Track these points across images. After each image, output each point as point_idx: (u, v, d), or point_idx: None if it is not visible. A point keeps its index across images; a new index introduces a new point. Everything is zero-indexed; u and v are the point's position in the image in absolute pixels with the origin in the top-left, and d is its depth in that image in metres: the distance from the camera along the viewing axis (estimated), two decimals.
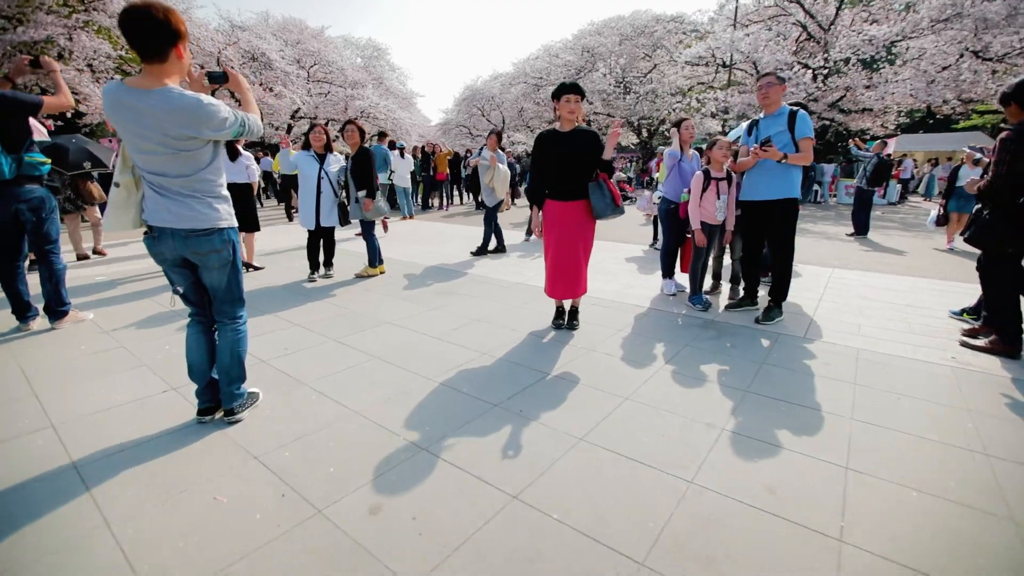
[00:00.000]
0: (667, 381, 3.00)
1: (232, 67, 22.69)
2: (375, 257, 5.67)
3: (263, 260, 6.47)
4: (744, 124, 8.35)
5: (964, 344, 3.61)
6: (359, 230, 6.40)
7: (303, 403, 2.71)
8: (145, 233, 2.27)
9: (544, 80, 26.41)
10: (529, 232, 8.74)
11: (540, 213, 3.82)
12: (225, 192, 2.35)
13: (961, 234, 3.76)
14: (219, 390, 2.48)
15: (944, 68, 14.41)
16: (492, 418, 2.55)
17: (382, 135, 10.94)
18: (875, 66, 17.46)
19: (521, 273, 5.88)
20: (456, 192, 15.19)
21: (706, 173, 4.23)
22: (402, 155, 10.78)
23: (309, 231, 5.47)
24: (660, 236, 7.56)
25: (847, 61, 16.02)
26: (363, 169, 5.28)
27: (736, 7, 19.51)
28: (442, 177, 12.94)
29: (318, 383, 2.95)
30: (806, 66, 15.48)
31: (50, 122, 14.09)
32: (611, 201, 3.59)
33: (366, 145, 5.47)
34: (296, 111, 26.07)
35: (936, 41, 14.58)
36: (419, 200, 13.90)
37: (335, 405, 2.69)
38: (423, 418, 2.55)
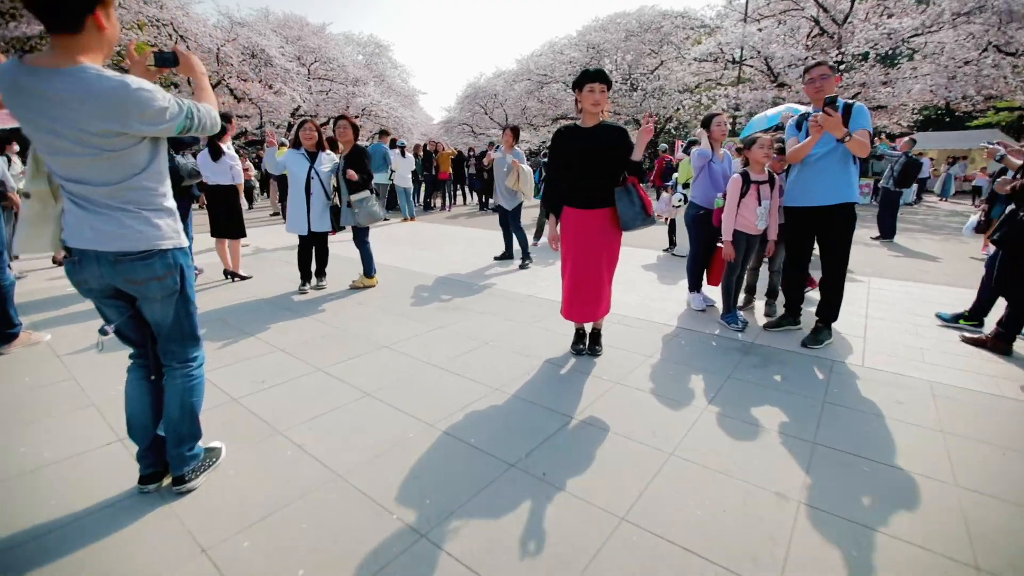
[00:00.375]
0: (714, 429, 2.49)
1: (231, 64, 22.28)
2: (370, 266, 5.16)
3: (253, 265, 5.97)
4: (767, 114, 7.80)
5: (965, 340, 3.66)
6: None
7: (276, 461, 2.20)
8: (64, 256, 1.76)
9: (548, 77, 25.86)
10: (538, 236, 8.20)
11: (557, 222, 3.30)
12: (170, 204, 1.84)
13: (989, 236, 3.52)
14: (167, 450, 1.97)
15: (966, 63, 13.82)
16: (508, 485, 2.04)
17: (383, 133, 10.42)
18: (893, 61, 16.84)
19: (531, 283, 5.36)
20: (459, 192, 14.67)
21: (744, 176, 3.71)
22: (403, 154, 10.26)
23: (300, 237, 4.96)
24: (678, 241, 7.07)
25: (864, 56, 15.43)
26: (357, 169, 4.77)
27: (747, 1, 18.93)
28: (444, 177, 12.41)
29: (297, 430, 2.44)
30: (840, 55, 14.89)
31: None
32: (641, 209, 3.07)
33: (361, 143, 4.95)
34: (296, 109, 25.56)
35: (956, 35, 13.99)
36: (420, 201, 13.39)
37: (314, 464, 2.18)
38: (423, 485, 2.04)
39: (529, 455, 2.24)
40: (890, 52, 16.06)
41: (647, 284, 5.41)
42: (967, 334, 3.76)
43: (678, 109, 23.54)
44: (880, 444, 2.36)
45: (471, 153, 13.75)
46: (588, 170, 3.07)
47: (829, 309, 3.59)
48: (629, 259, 6.59)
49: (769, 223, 3.85)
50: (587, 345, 3.46)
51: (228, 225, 5.25)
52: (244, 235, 5.40)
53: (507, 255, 6.54)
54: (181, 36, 20.89)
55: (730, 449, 2.30)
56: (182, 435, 1.96)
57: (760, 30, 15.59)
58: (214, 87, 22.66)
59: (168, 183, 1.85)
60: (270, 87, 23.11)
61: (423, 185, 13.18)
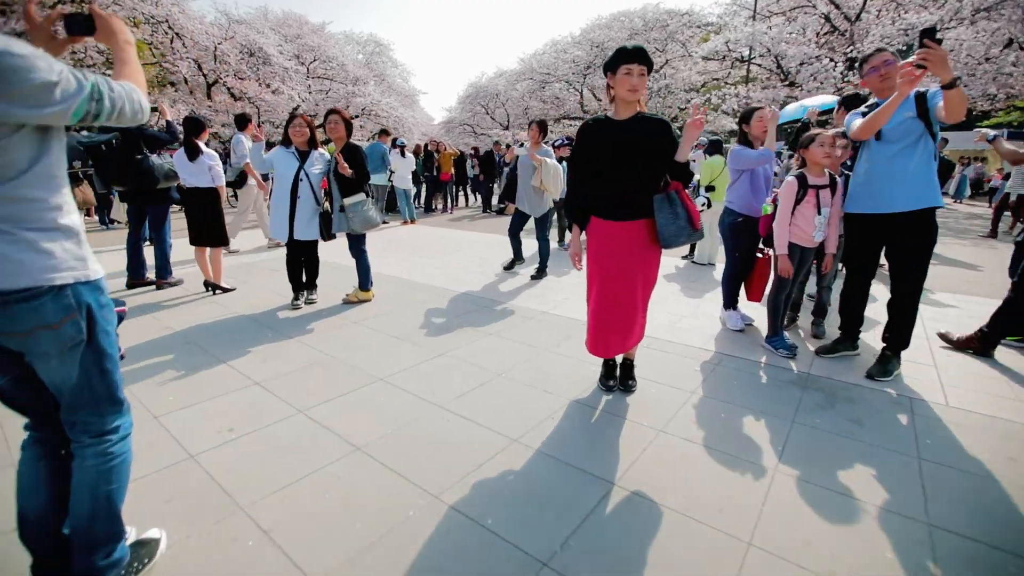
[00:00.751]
0: (795, 502, 1.94)
1: (229, 63, 21.73)
2: (367, 279, 4.62)
3: (238, 275, 5.43)
4: (789, 110, 7.19)
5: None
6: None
7: (231, 560, 1.66)
8: None
9: (551, 76, 25.31)
10: (561, 239, 7.65)
11: (583, 235, 2.76)
12: (68, 221, 1.30)
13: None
14: (73, 560, 1.43)
15: (986, 59, 13.27)
16: None
17: (383, 132, 9.87)
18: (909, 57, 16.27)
19: (545, 297, 4.82)
20: (461, 194, 14.13)
21: (801, 179, 3.17)
22: (403, 154, 9.72)
23: (288, 247, 4.42)
24: (704, 249, 6.51)
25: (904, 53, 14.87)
26: (352, 167, 4.23)
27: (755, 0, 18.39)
28: (446, 178, 11.85)
29: (265, 506, 1.90)
30: (832, 59, 14.32)
31: None
32: (687, 223, 2.52)
33: (359, 142, 4.42)
34: (295, 108, 25.01)
35: (976, 31, 13.44)
36: (421, 203, 12.85)
37: (281, 562, 1.63)
38: None
39: (565, 546, 1.70)
40: (904, 48, 15.50)
41: (673, 298, 4.87)
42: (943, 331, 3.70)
43: (683, 108, 23.01)
44: (1010, 525, 1.83)
45: (474, 153, 13.19)
46: (621, 172, 2.52)
47: (899, 335, 3.05)
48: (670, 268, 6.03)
49: (828, 234, 3.30)
50: (618, 380, 2.92)
51: (208, 232, 4.71)
52: (227, 243, 4.87)
53: (516, 260, 5.98)
54: (177, 33, 20.36)
55: (826, 535, 1.76)
56: (95, 539, 1.42)
57: (770, 28, 15.05)
58: (211, 85, 22.18)
59: (67, 193, 1.31)
60: (268, 86, 22.56)
61: (424, 187, 12.65)
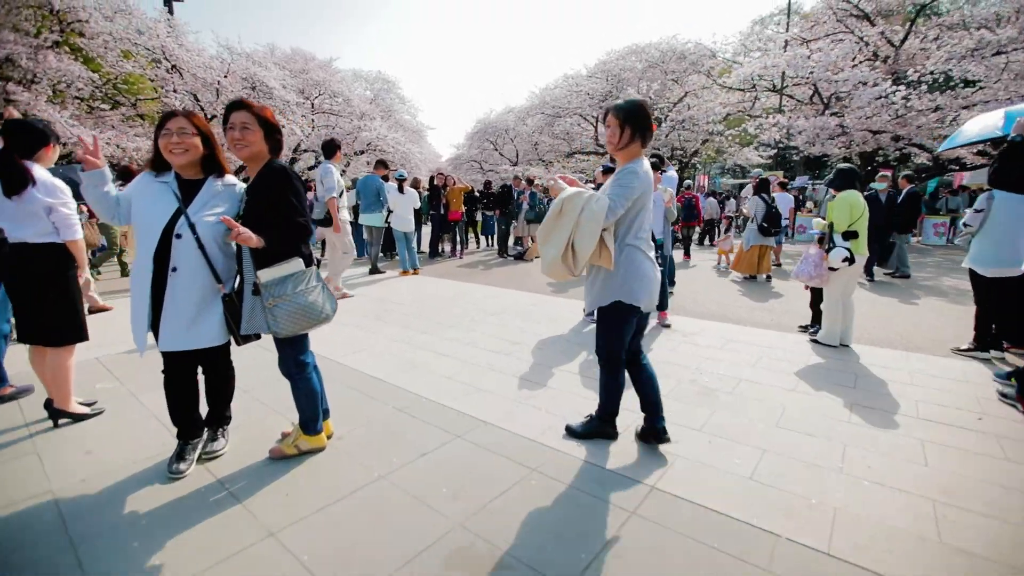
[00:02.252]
0: None
1: (228, 96, 20.32)
2: (313, 411, 2.47)
3: (108, 393, 3.35)
4: (974, 129, 4.61)
5: None
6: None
7: None
8: None
9: (564, 109, 23.81)
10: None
11: None
12: None
13: None
14: None
15: None
16: None
17: (380, 164, 7.95)
18: (968, 84, 14.43)
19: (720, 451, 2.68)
20: (471, 235, 12.16)
21: None
22: (401, 189, 7.74)
23: (164, 355, 2.31)
24: (826, 326, 4.33)
25: (945, 80, 13.06)
26: (275, 211, 2.15)
27: (788, 23, 16.82)
28: (456, 217, 9.86)
29: None
30: (896, 81, 12.47)
31: None
32: None
33: (279, 162, 2.36)
34: (298, 144, 23.52)
35: None
36: (425, 245, 10.84)
37: None
38: None
39: None
40: (944, 76, 13.62)
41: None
42: None
43: (706, 141, 21.30)
44: None
45: (487, 189, 11.24)
46: None
47: None
48: (769, 351, 3.84)
49: None
50: None
51: (46, 320, 2.64)
52: (81, 338, 2.77)
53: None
54: (174, 65, 19.01)
55: None
56: None
57: (815, 52, 13.33)
58: (209, 120, 20.62)
59: None
60: None
61: (429, 227, 10.70)
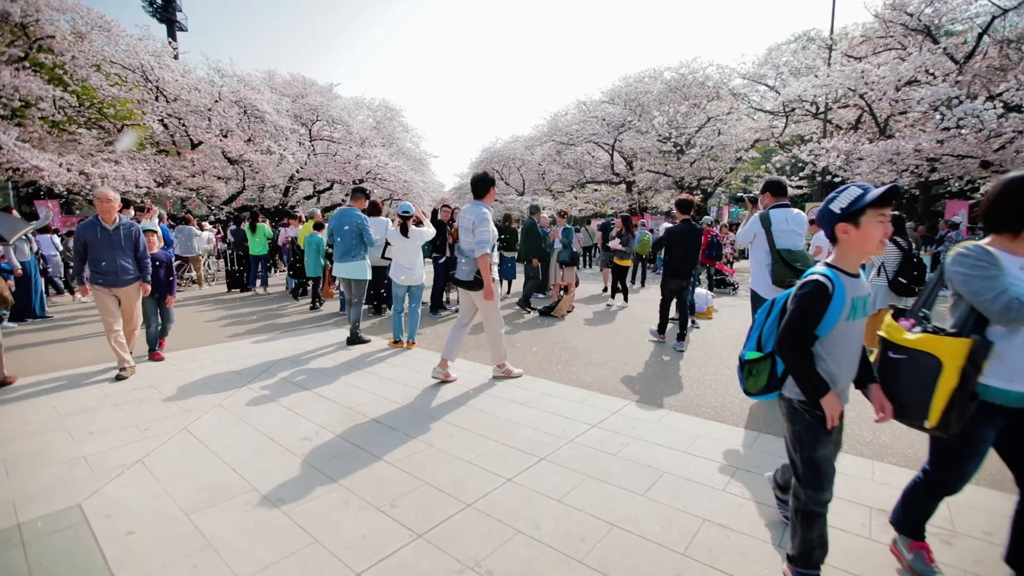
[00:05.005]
0: None
1: (213, 119, 18.30)
2: None
3: None
4: None
5: None
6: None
7: None
8: None
9: (577, 137, 21.75)
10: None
11: None
12: None
13: None
14: None
15: None
16: None
17: (358, 192, 5.56)
18: None
19: None
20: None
21: None
22: (405, 230, 5.24)
23: None
24: None
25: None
26: None
27: (829, 48, 14.82)
28: None
29: None
30: (992, 98, 10.29)
31: None
32: None
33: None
34: (292, 174, 21.39)
35: None
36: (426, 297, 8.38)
37: None
38: None
39: None
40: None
41: None
42: None
43: (732, 169, 19.15)
44: None
45: (506, 223, 8.81)
46: None
47: None
48: None
49: None
50: None
51: None
52: None
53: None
54: (158, 87, 16.96)
55: None
56: None
57: (879, 67, 11.26)
58: (193, 146, 18.49)
59: None
60: (251, 141, 18.90)
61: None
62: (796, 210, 4.05)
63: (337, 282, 7.75)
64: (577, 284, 8.09)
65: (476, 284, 4.17)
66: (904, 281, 5.24)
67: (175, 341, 5.29)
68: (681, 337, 5.52)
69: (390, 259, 5.40)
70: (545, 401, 3.89)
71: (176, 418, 3.53)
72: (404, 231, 5.06)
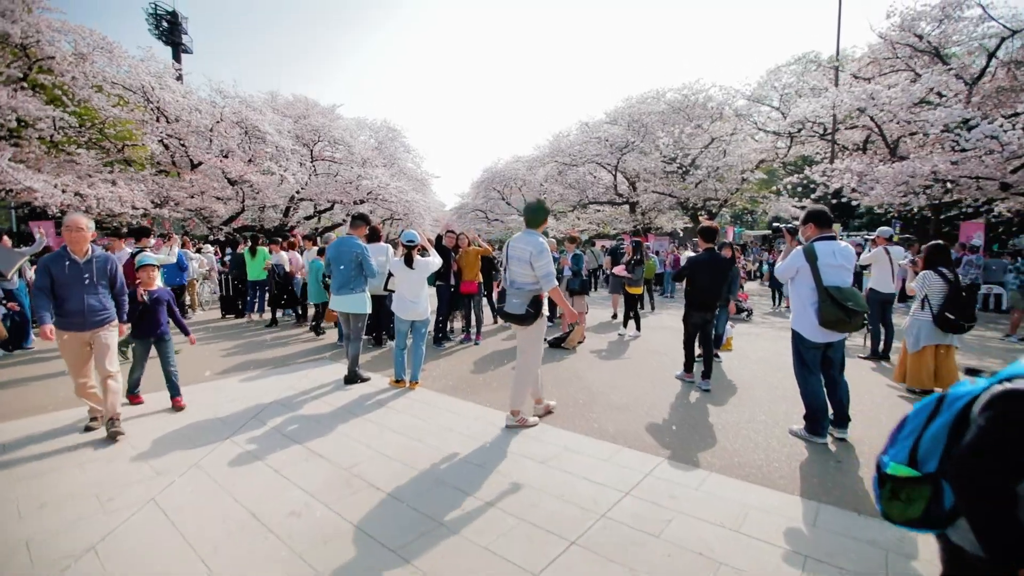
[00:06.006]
0: None
1: (212, 139, 18.08)
2: None
3: None
4: None
5: None
6: None
7: None
8: None
9: (579, 158, 21.54)
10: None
11: None
12: None
13: None
14: None
15: None
16: None
17: (359, 220, 5.16)
18: None
19: None
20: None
21: None
22: (410, 260, 4.79)
23: None
24: None
25: None
26: None
27: (836, 70, 14.67)
28: (471, 289, 6.96)
29: None
30: (1008, 118, 9.98)
31: None
32: None
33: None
34: (293, 195, 21.10)
35: None
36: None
37: None
38: None
39: None
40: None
41: None
42: None
43: (738, 190, 18.88)
44: None
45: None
46: None
47: None
48: None
49: None
50: None
51: None
52: None
53: None
54: (158, 108, 16.76)
55: None
56: None
57: (891, 88, 11.04)
58: (193, 167, 18.24)
59: None
60: (251, 162, 18.63)
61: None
62: (843, 243, 3.64)
63: None
64: (586, 311, 7.63)
65: (527, 318, 3.77)
66: (951, 316, 4.83)
67: (157, 379, 4.77)
68: (706, 375, 5.07)
69: (392, 291, 4.98)
70: (567, 459, 3.42)
71: (145, 483, 3.05)
72: (409, 262, 4.64)
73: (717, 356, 5.70)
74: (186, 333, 4.49)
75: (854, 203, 14.73)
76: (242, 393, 4.88)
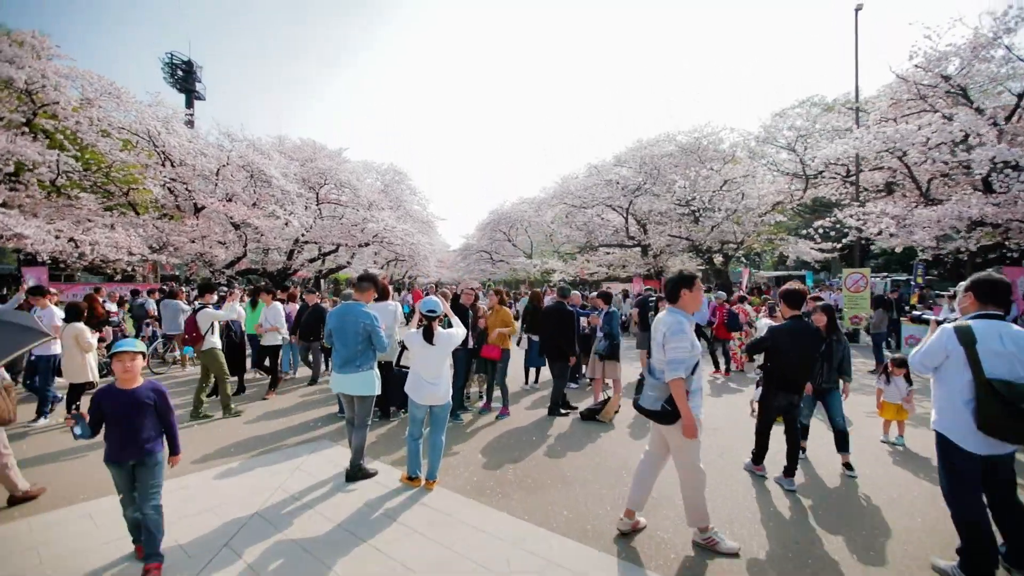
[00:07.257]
0: None
1: (217, 183, 17.63)
2: None
3: None
4: None
5: None
6: None
7: None
8: None
9: (591, 200, 21.03)
10: None
11: None
12: None
13: None
14: None
15: None
16: None
17: (365, 281, 4.30)
18: None
19: None
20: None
21: None
22: (429, 335, 3.89)
23: None
24: None
25: None
26: None
27: (856, 109, 14.24)
28: (493, 354, 5.96)
29: None
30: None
31: None
32: None
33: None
34: (298, 238, 20.48)
35: None
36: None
37: None
38: None
39: None
40: None
41: None
42: None
43: (749, 234, 18.18)
44: None
45: (534, 304, 7.47)
46: None
47: None
48: None
49: None
50: None
51: None
52: None
53: None
54: (162, 152, 16.37)
55: None
56: None
57: (925, 127, 10.47)
58: (197, 211, 17.68)
59: None
60: (255, 205, 18.09)
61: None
62: (1016, 326, 2.73)
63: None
64: (619, 378, 6.63)
65: (666, 416, 2.95)
66: None
67: (104, 472, 3.74)
68: (790, 472, 4.08)
69: (406, 368, 4.05)
70: None
71: None
72: (429, 336, 3.73)
73: (803, 450, 4.68)
74: (174, 452, 3.09)
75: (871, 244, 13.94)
76: (214, 495, 3.88)
